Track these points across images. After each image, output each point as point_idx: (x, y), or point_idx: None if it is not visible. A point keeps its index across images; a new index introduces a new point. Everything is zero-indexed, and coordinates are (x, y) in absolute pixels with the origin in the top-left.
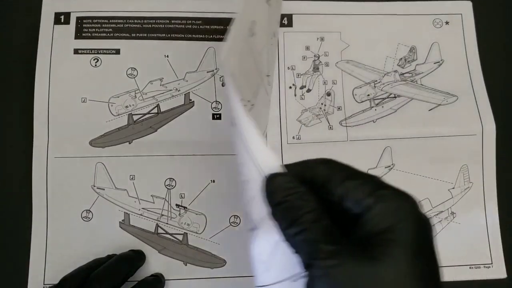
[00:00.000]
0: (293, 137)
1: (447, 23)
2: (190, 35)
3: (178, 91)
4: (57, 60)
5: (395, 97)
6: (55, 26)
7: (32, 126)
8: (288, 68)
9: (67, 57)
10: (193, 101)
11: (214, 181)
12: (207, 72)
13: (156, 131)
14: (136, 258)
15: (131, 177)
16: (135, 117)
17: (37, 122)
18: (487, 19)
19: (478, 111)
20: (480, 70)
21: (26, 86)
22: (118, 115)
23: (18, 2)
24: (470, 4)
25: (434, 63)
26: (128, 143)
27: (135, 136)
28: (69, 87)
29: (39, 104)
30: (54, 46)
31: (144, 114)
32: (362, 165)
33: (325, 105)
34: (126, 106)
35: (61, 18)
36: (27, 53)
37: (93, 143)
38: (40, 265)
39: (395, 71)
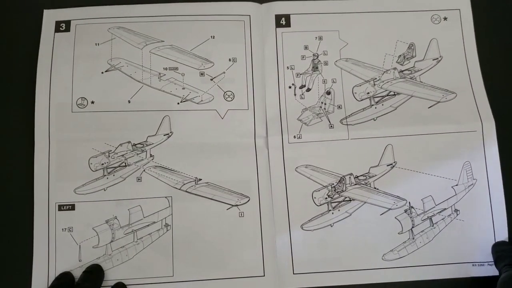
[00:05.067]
0: (294, 137)
1: (445, 19)
2: None
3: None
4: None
5: (394, 94)
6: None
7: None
8: (288, 67)
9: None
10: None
11: None
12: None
13: None
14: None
15: None
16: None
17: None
18: (485, 14)
19: (477, 108)
20: (478, 66)
21: (28, 92)
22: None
23: (20, 12)
24: None
25: (433, 60)
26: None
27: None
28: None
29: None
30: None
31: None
32: (364, 163)
33: (325, 104)
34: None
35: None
36: (29, 60)
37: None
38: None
39: (394, 68)
